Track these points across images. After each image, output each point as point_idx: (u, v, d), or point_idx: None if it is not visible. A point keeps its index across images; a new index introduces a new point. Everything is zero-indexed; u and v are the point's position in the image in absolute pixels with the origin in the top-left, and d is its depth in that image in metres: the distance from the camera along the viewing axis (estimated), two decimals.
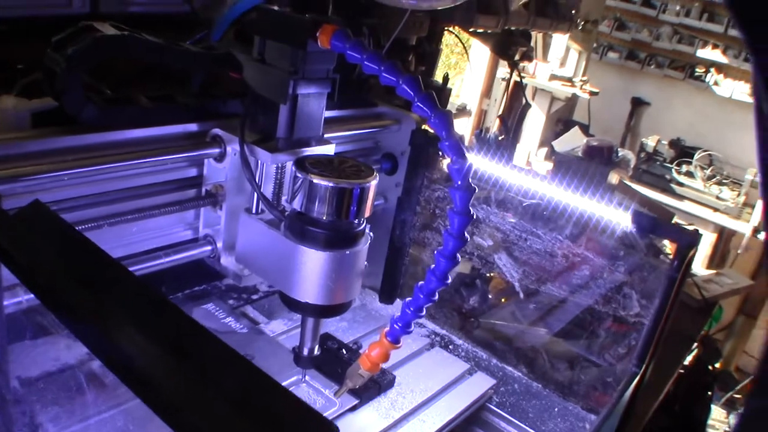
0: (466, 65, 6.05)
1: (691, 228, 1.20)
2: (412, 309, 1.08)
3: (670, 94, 6.04)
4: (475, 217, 1.01)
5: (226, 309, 1.53)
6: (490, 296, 1.79)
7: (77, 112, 1.06)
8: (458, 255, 1.02)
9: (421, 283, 1.06)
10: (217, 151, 1.19)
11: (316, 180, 1.04)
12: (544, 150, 5.37)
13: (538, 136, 5.37)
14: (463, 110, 3.64)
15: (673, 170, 5.29)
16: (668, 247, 1.76)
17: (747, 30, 0.37)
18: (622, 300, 1.34)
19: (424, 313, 1.08)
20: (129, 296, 0.71)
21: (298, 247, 1.08)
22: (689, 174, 5.20)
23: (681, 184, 5.19)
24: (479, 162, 1.58)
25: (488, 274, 1.76)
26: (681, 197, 5.11)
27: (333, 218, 1.06)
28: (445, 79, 2.37)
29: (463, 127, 5.20)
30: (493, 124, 5.19)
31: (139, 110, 1.14)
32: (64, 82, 1.01)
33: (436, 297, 1.06)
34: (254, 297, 1.69)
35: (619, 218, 1.39)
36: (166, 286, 1.56)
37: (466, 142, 4.95)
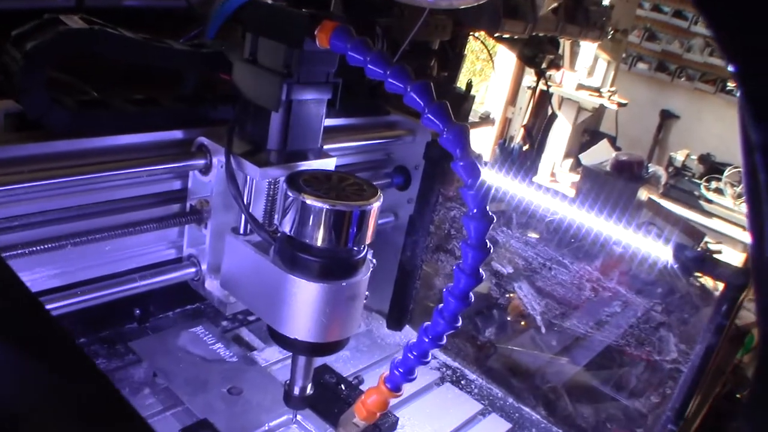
0: (491, 72, 5.90)
1: (740, 267, 1.04)
2: (415, 353, 0.93)
3: (700, 108, 5.84)
4: (492, 248, 0.87)
5: (216, 333, 1.39)
6: (508, 322, 1.63)
7: (40, 116, 0.93)
8: (471, 295, 0.87)
9: (427, 324, 0.92)
10: (202, 162, 1.05)
11: (308, 200, 0.89)
12: (570, 161, 5.20)
13: (564, 146, 5.19)
14: (486, 119, 3.48)
15: (702, 186, 5.09)
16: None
17: (733, 59, 0.36)
18: (657, 343, 1.18)
19: (429, 359, 0.94)
20: None
21: (287, 276, 0.94)
22: (719, 191, 4.99)
23: (710, 201, 4.99)
24: (500, 179, 1.43)
25: (508, 295, 1.61)
26: (710, 214, 4.91)
27: (328, 244, 0.92)
28: (469, 85, 2.23)
29: (487, 136, 5.04)
30: (518, 134, 5.03)
31: (113, 115, 1.01)
32: (22, 81, 0.88)
33: (444, 341, 0.92)
34: (251, 318, 1.55)
35: (656, 249, 1.24)
36: (154, 304, 1.43)
37: (489, 153, 4.79)
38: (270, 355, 1.38)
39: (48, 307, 0.99)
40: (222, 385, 1.24)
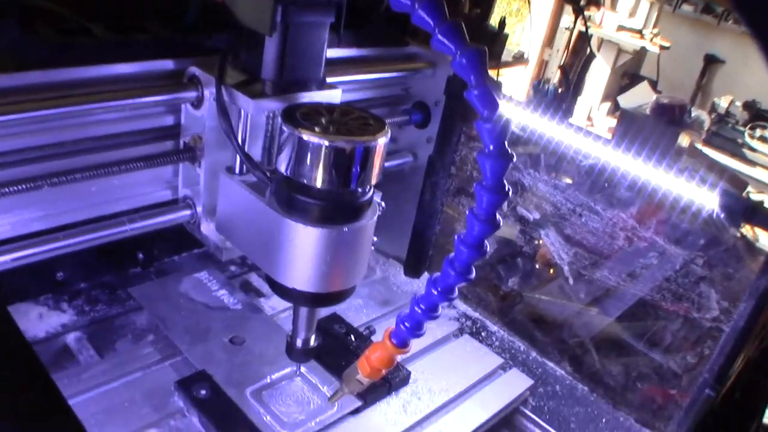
0: (527, 13, 5.66)
1: None
2: (423, 307, 0.84)
3: (747, 53, 5.53)
4: (510, 191, 0.76)
5: (220, 280, 1.31)
6: (533, 271, 1.53)
7: (10, 45, 0.83)
8: (486, 243, 0.77)
9: (436, 274, 0.82)
10: (193, 95, 0.95)
11: (306, 136, 0.79)
12: (607, 105, 5.00)
13: (602, 90, 4.99)
14: (520, 58, 3.32)
15: (745, 134, 4.86)
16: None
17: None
18: (697, 299, 1.07)
19: (438, 313, 0.84)
20: None
21: (284, 221, 0.85)
22: (763, 139, 4.76)
23: (753, 150, 4.76)
24: (533, 120, 1.31)
25: (534, 242, 1.50)
26: (753, 163, 4.70)
27: (328, 186, 0.82)
28: (501, 23, 2.08)
29: (522, 78, 4.86)
30: (554, 76, 4.84)
31: (94, 44, 0.91)
32: None
33: (456, 294, 0.82)
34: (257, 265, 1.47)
35: (699, 196, 1.12)
36: (158, 247, 1.36)
37: (524, 94, 4.61)
38: (277, 303, 1.30)
39: (29, 252, 0.92)
40: (224, 334, 1.17)
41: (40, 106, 0.85)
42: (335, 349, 1.18)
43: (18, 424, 0.45)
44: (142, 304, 1.22)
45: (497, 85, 0.72)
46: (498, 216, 0.76)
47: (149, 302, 1.22)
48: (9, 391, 0.47)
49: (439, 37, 0.70)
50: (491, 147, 0.72)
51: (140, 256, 1.33)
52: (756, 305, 0.94)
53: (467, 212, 0.76)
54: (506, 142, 0.72)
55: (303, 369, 1.12)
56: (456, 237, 0.78)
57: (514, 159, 0.74)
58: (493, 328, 1.40)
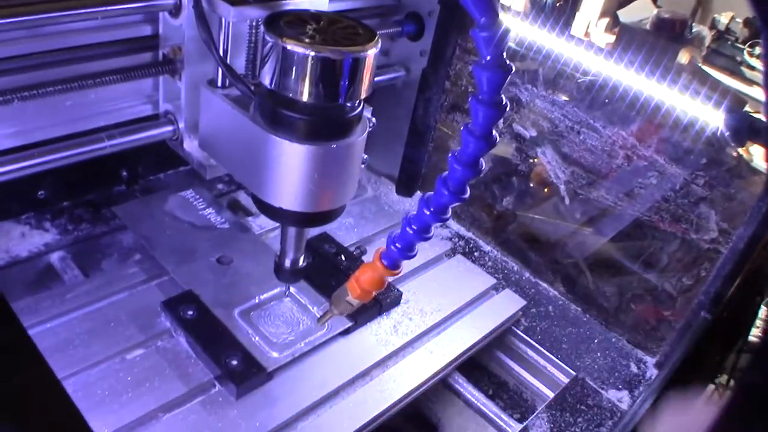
0: None
1: None
2: (415, 228, 0.80)
3: None
4: (508, 105, 0.71)
5: (207, 198, 1.27)
6: (529, 190, 1.50)
7: None
8: (481, 161, 0.73)
9: (429, 194, 0.78)
10: (171, 2, 0.89)
11: (290, 45, 0.74)
12: (606, 21, 4.87)
13: (601, 4, 4.85)
14: None
15: (745, 52, 4.75)
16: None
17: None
18: (696, 219, 1.05)
19: (431, 234, 0.81)
20: None
21: (269, 137, 0.81)
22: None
23: (752, 68, 4.67)
24: (530, 32, 1.25)
25: (530, 161, 1.46)
26: (751, 82, 4.61)
27: (315, 99, 0.78)
28: None
29: None
30: None
31: None
32: None
33: (449, 214, 0.79)
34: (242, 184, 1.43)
35: (701, 112, 1.08)
36: (143, 165, 1.32)
37: (522, 6, 4.48)
38: (265, 222, 1.27)
39: (5, 169, 0.87)
40: (211, 253, 1.14)
41: (7, 13, 0.79)
42: (325, 269, 1.15)
43: None
44: (126, 224, 1.19)
45: None
46: (494, 132, 0.72)
47: (133, 221, 1.18)
48: None
49: None
50: (488, 57, 0.67)
51: (124, 173, 1.29)
52: (756, 227, 0.92)
53: (462, 128, 0.72)
54: (504, 53, 0.68)
55: (292, 289, 1.10)
56: (450, 155, 0.74)
57: (513, 70, 0.69)
58: (487, 248, 1.38)
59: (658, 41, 3.65)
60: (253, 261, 1.14)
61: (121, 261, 1.17)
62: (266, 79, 0.78)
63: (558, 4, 3.81)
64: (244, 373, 0.94)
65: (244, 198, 1.40)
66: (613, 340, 1.21)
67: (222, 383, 0.95)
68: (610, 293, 1.22)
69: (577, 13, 4.38)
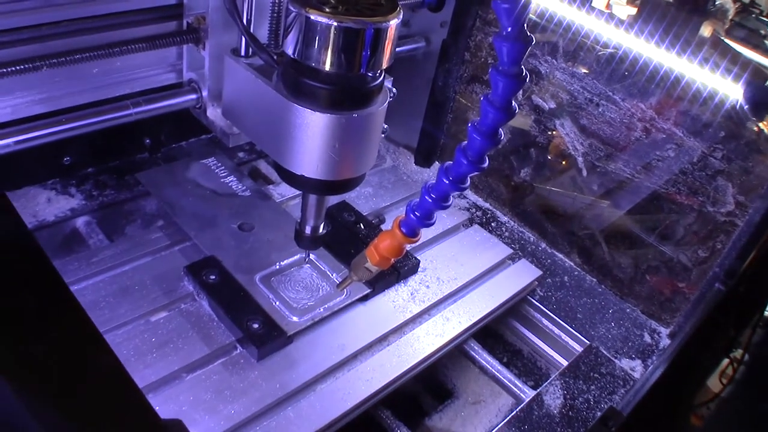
0: None
1: None
2: (434, 196, 0.82)
3: None
4: (528, 77, 0.72)
5: (229, 166, 1.29)
6: (546, 162, 1.50)
7: None
8: (500, 132, 0.75)
9: (448, 163, 0.80)
10: None
11: (313, 15, 0.75)
12: None
13: None
14: None
15: None
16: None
17: None
18: (713, 193, 1.05)
19: (449, 202, 0.83)
20: None
21: (291, 106, 0.82)
22: None
23: None
24: (551, 1, 1.25)
25: (549, 133, 1.47)
26: None
27: (337, 69, 0.79)
28: None
29: None
30: None
31: None
32: None
33: (467, 183, 0.80)
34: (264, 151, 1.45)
35: (722, 85, 1.08)
36: (165, 133, 1.34)
37: None
38: (286, 190, 1.29)
39: (33, 135, 0.90)
40: (232, 220, 1.16)
41: None
42: (344, 237, 1.17)
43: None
44: (149, 190, 1.21)
45: None
46: (513, 104, 0.73)
47: (157, 188, 1.21)
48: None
49: None
50: (509, 29, 0.68)
51: (147, 141, 1.31)
52: None
53: (481, 99, 0.73)
54: (525, 25, 0.68)
55: (312, 256, 1.12)
56: (469, 125, 0.75)
57: (533, 42, 0.70)
58: (503, 218, 1.40)
59: (680, 14, 3.60)
60: (274, 228, 1.17)
61: (145, 227, 1.20)
62: (289, 49, 0.79)
63: None
64: (265, 336, 0.97)
65: (264, 166, 1.42)
66: (628, 310, 1.23)
67: (243, 345, 0.98)
68: (626, 264, 1.23)
69: None
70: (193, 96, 1.02)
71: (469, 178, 0.80)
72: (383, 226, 1.26)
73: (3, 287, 0.50)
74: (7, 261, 0.53)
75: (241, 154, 1.42)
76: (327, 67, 0.78)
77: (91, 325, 0.49)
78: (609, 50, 1.26)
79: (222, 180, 1.25)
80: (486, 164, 0.78)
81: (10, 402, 0.40)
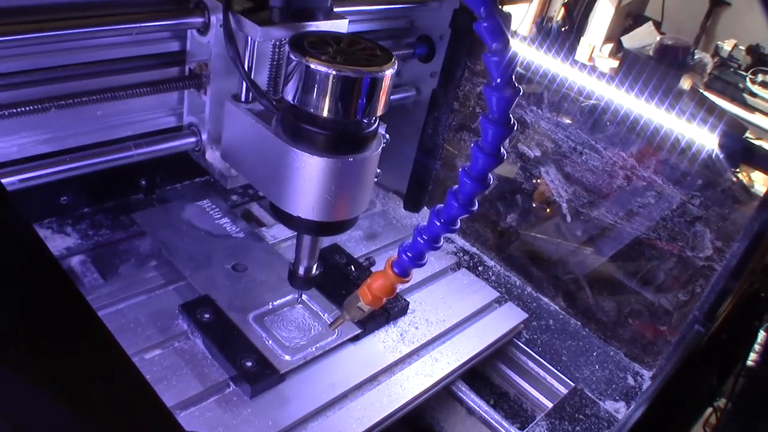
0: None
1: None
2: (426, 237, 0.85)
3: None
4: (516, 125, 0.77)
5: (223, 208, 1.32)
6: (532, 208, 1.55)
7: None
8: (490, 176, 0.78)
9: (439, 206, 0.83)
10: (200, 20, 0.95)
11: (313, 64, 0.79)
12: (610, 46, 4.95)
13: (605, 30, 4.92)
14: None
15: (747, 79, 4.82)
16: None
17: None
18: (691, 238, 1.09)
19: (440, 244, 0.86)
20: None
21: (290, 149, 0.86)
22: (764, 84, 4.72)
23: (754, 95, 4.74)
24: (536, 57, 1.31)
25: (533, 180, 1.52)
26: (753, 109, 4.68)
27: (335, 115, 0.83)
28: None
29: (523, 13, 4.79)
30: (557, 13, 4.76)
31: None
32: None
33: (458, 225, 0.84)
34: (261, 192, 1.48)
35: (700, 136, 1.13)
36: (161, 174, 1.37)
37: (527, 31, 4.55)
38: (279, 232, 1.32)
39: (36, 173, 0.93)
40: (226, 261, 1.19)
41: (48, 27, 0.84)
42: (335, 278, 1.20)
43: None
44: (145, 230, 1.24)
45: (506, 18, 0.71)
46: (502, 150, 0.77)
47: (153, 228, 1.23)
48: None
49: None
50: (498, 80, 0.72)
51: (143, 182, 1.34)
52: (748, 246, 0.97)
53: (472, 145, 0.77)
54: (513, 76, 0.73)
55: (304, 297, 1.14)
56: (460, 169, 0.79)
57: (521, 92, 0.74)
58: (490, 263, 1.43)
59: (661, 67, 3.71)
60: (267, 269, 1.19)
61: (139, 266, 1.22)
62: (289, 95, 0.83)
63: (563, 29, 3.89)
64: (258, 374, 0.99)
65: (256, 209, 1.45)
66: (611, 353, 1.26)
67: (237, 383, 1.00)
68: (609, 308, 1.26)
69: (582, 38, 4.46)
70: (193, 139, 1.05)
71: (459, 221, 0.84)
72: (373, 269, 1.29)
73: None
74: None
75: (234, 197, 1.45)
76: (325, 113, 0.82)
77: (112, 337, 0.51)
78: (591, 101, 1.31)
79: (216, 221, 1.28)
80: (475, 207, 0.81)
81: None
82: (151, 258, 1.24)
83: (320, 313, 1.14)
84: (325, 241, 1.21)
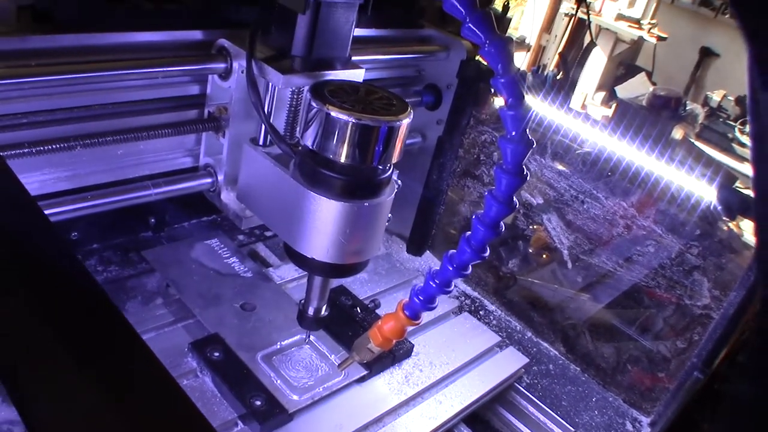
0: None
1: None
2: (437, 281, 0.88)
3: (742, 47, 5.55)
4: (528, 174, 0.80)
5: (231, 247, 1.35)
6: (533, 254, 1.58)
7: (52, 7, 0.86)
8: (502, 224, 0.82)
9: (452, 251, 0.86)
10: (222, 66, 0.99)
11: (333, 112, 0.83)
12: (602, 94, 5.05)
13: (598, 78, 5.03)
14: (521, 43, 3.35)
15: (736, 129, 4.93)
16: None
17: (744, 19, 0.35)
18: (690, 286, 1.13)
19: (452, 288, 0.89)
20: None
21: (307, 193, 0.89)
22: None
23: (743, 145, 4.84)
24: (533, 105, 1.35)
25: (533, 227, 1.55)
26: (742, 159, 4.77)
27: (352, 161, 0.86)
28: (505, 7, 2.11)
29: (520, 62, 4.89)
30: (551, 62, 4.87)
31: (130, 10, 0.94)
32: None
33: (469, 270, 0.86)
34: (267, 233, 1.51)
35: (695, 186, 1.17)
36: (170, 213, 1.39)
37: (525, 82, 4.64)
38: (285, 273, 1.35)
39: (57, 210, 0.95)
40: (235, 300, 1.21)
41: (75, 69, 0.87)
42: (342, 320, 1.22)
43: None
44: (155, 267, 1.26)
45: (522, 74, 0.75)
46: (515, 199, 0.80)
47: (162, 265, 1.25)
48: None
49: (470, 25, 0.73)
50: (513, 133, 0.76)
51: (152, 220, 1.36)
52: (746, 295, 1.00)
53: (485, 193, 0.80)
54: (527, 129, 0.77)
55: (312, 337, 1.16)
56: (473, 216, 0.82)
57: (534, 145, 0.78)
58: (491, 307, 1.45)
59: (654, 117, 3.79)
60: (275, 309, 1.21)
61: (148, 303, 1.23)
62: (309, 141, 0.86)
63: (557, 78, 3.98)
64: (267, 413, 1.00)
65: (262, 249, 1.47)
66: (610, 399, 1.28)
67: (245, 422, 1.01)
68: (608, 354, 1.29)
69: (576, 87, 4.55)
70: (209, 180, 1.08)
71: (471, 266, 0.86)
72: (378, 311, 1.31)
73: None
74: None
75: (241, 237, 1.47)
76: (343, 159, 0.85)
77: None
78: (586, 149, 1.36)
79: (225, 260, 1.30)
80: (487, 253, 0.84)
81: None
82: (160, 295, 1.26)
83: (327, 353, 1.15)
84: (332, 283, 1.23)
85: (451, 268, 0.86)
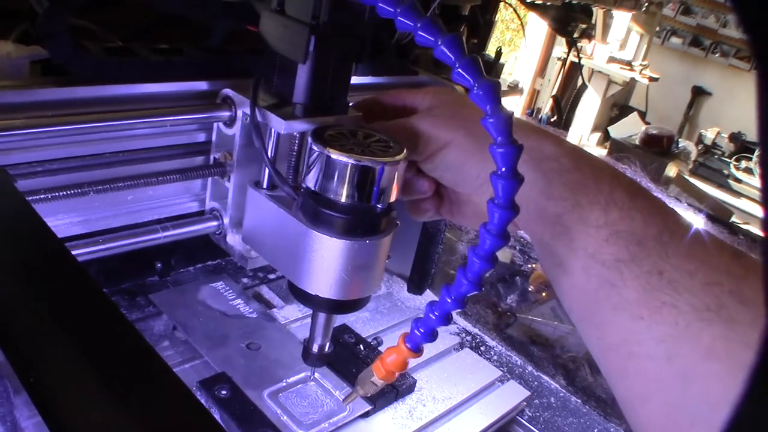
0: (521, 42, 5.81)
1: None
2: (437, 314, 0.91)
3: (733, 85, 5.70)
4: (520, 208, 0.84)
5: (236, 289, 1.38)
6: (531, 291, 1.61)
7: (64, 61, 0.91)
8: (497, 256, 0.85)
9: (450, 285, 0.90)
10: (227, 114, 1.03)
11: (334, 155, 0.87)
12: (597, 135, 5.14)
13: (592, 120, 5.12)
14: (514, 88, 3.42)
15: (731, 165, 5.00)
16: None
17: (752, 35, 0.32)
18: None
19: (451, 320, 0.92)
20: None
21: (309, 232, 0.93)
22: (748, 170, 4.90)
23: (739, 181, 4.91)
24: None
25: (531, 265, 1.59)
26: (738, 194, 4.84)
27: (352, 201, 0.90)
28: (498, 53, 2.18)
29: (514, 106, 4.99)
30: (545, 105, 4.97)
31: (138, 63, 0.99)
32: (46, 25, 0.87)
33: (466, 302, 0.90)
34: (271, 276, 1.55)
35: (695, 221, 1.21)
36: (175, 257, 1.43)
37: None
38: (289, 313, 1.38)
39: (73, 253, 0.99)
40: (241, 340, 1.24)
41: (89, 119, 0.92)
42: (346, 356, 1.25)
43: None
44: (162, 310, 1.29)
45: (510, 114, 0.80)
46: (508, 231, 0.84)
47: (170, 308, 1.29)
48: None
49: (459, 70, 0.78)
50: (503, 169, 0.80)
51: (158, 265, 1.40)
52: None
53: (480, 227, 0.84)
54: (516, 166, 0.81)
55: (316, 374, 1.19)
56: (469, 248, 0.86)
57: (524, 180, 0.82)
58: (492, 343, 1.48)
59: (646, 156, 3.85)
60: (280, 347, 1.24)
61: (156, 345, 1.27)
62: (311, 183, 0.91)
63: (552, 120, 4.06)
64: None
65: (266, 291, 1.51)
66: (612, 430, 1.30)
67: None
68: (608, 386, 1.31)
69: (570, 128, 4.65)
70: (215, 223, 1.12)
71: (467, 298, 0.90)
72: (381, 348, 1.34)
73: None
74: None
75: (245, 280, 1.51)
76: (344, 198, 0.90)
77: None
78: None
79: (230, 302, 1.34)
80: (481, 287, 0.88)
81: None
82: (167, 338, 1.29)
83: (332, 389, 1.18)
84: (336, 321, 1.26)
85: (449, 300, 0.89)
